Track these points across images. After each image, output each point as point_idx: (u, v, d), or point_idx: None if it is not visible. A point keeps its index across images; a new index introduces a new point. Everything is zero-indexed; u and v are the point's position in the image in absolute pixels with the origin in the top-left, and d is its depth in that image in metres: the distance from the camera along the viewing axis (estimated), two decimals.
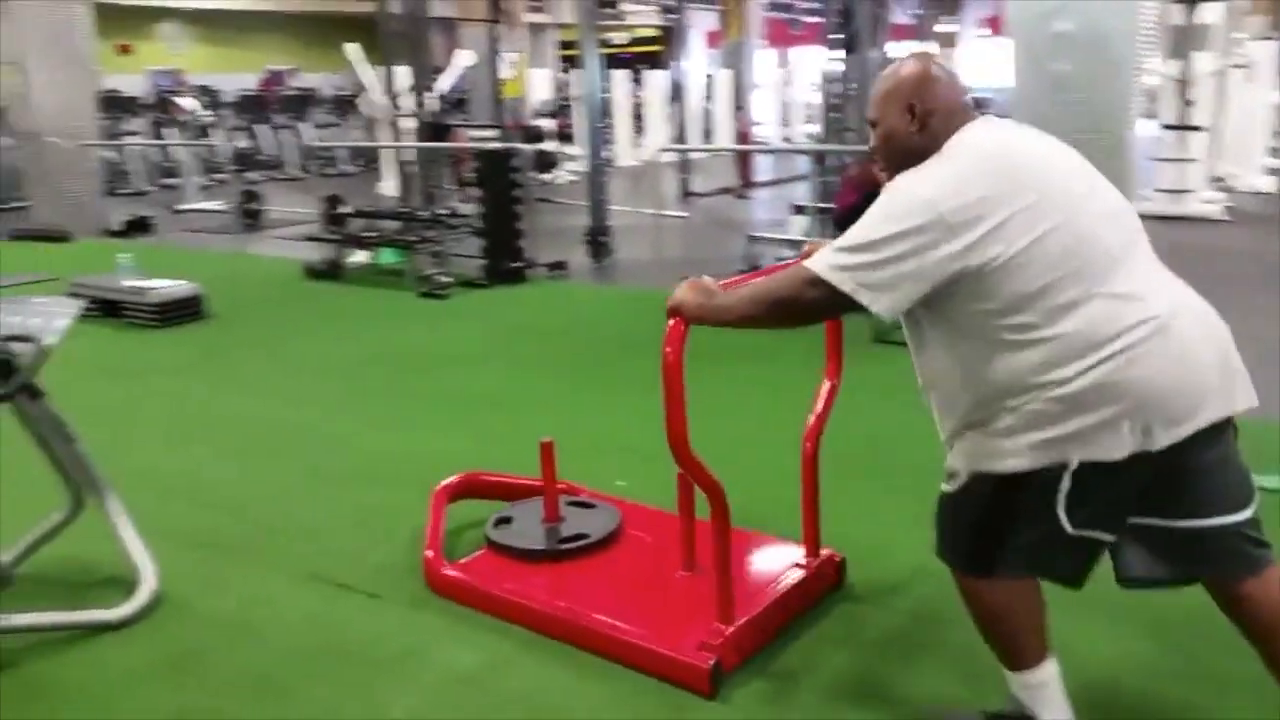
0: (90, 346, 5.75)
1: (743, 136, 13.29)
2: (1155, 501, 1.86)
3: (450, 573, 2.86)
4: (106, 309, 6.46)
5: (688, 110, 17.12)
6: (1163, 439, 1.76)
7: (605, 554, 2.92)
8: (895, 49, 15.92)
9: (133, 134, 14.93)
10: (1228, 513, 1.88)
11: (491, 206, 7.53)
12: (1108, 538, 1.89)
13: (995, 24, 22.22)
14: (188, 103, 15.00)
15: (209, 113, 15.39)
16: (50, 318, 2.82)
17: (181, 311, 6.44)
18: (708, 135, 19.88)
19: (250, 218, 10.66)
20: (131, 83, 18.39)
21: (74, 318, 2.85)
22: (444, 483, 3.22)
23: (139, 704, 2.41)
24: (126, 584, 2.81)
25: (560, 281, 7.70)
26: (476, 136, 11.09)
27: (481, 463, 3.53)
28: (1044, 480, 1.81)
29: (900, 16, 18.16)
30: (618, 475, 3.58)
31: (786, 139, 21.19)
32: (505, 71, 15.81)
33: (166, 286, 6.50)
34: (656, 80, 18.72)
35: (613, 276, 8.01)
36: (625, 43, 27.57)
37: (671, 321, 2.14)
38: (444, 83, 12.89)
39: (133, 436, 4.31)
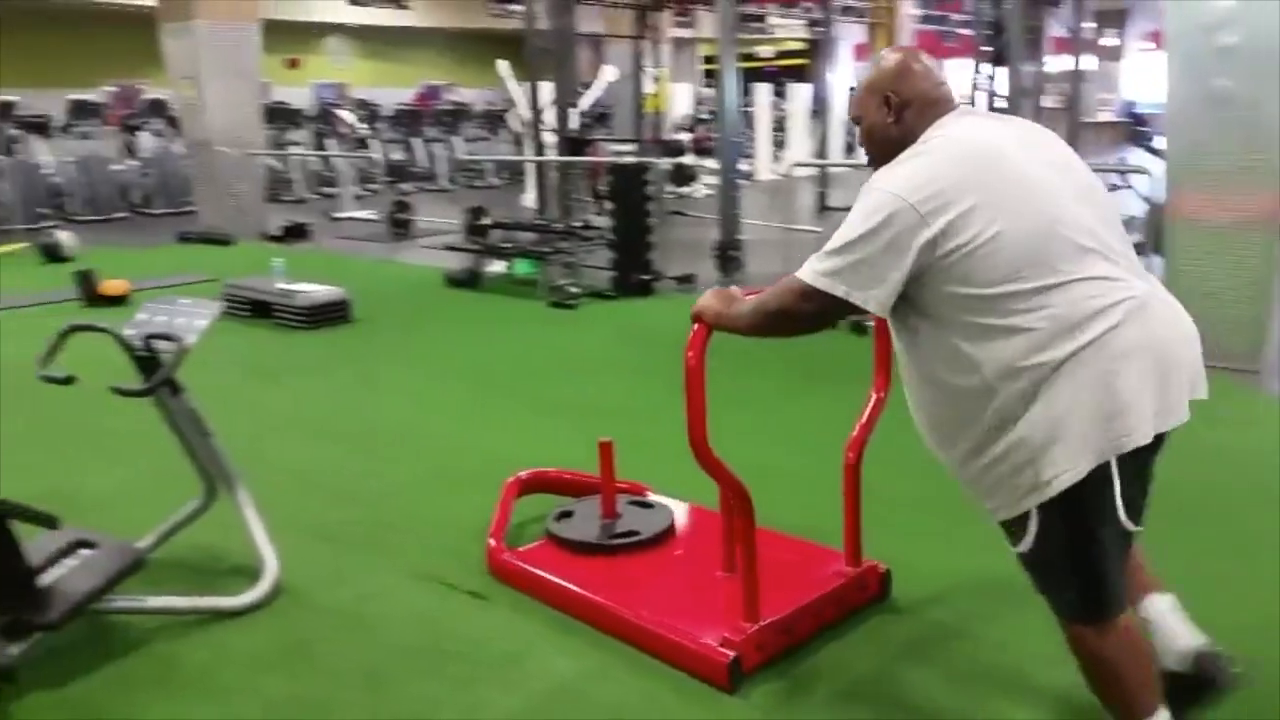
0: (241, 346, 6.10)
1: None
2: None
3: (508, 559, 3.04)
4: (258, 310, 6.82)
5: (830, 123, 16.90)
6: (1167, 419, 1.78)
7: (654, 551, 3.05)
8: (1054, 62, 15.32)
9: (296, 144, 15.77)
10: (1142, 524, 1.88)
11: (622, 219, 7.62)
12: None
13: (1159, 38, 21.15)
14: (347, 115, 15.73)
15: (365, 126, 16.11)
16: (193, 318, 2.99)
17: (328, 315, 6.72)
18: (850, 149, 19.54)
19: (400, 227, 11.09)
20: (299, 95, 19.42)
21: (213, 319, 3.01)
22: (513, 477, 3.39)
23: (255, 689, 2.53)
24: (251, 573, 2.96)
25: (687, 295, 7.70)
26: (616, 151, 11.26)
27: (594, 468, 3.57)
28: (1097, 480, 1.77)
29: (1060, 30, 17.45)
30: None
31: None
32: (648, 86, 15.99)
33: (315, 290, 6.80)
34: (800, 93, 18.57)
35: None
36: (771, 56, 27.50)
37: (695, 326, 2.24)
38: (586, 98, 13.14)
39: (273, 432, 4.54)
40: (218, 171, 11.02)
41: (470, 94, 21.96)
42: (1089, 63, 17.81)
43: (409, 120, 17.65)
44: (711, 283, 8.05)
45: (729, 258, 8.42)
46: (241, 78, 11.01)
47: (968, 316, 1.82)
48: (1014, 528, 1.88)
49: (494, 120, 18.53)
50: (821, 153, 15.42)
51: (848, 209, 1.91)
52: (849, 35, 24.51)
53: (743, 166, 16.60)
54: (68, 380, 2.78)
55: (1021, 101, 10.25)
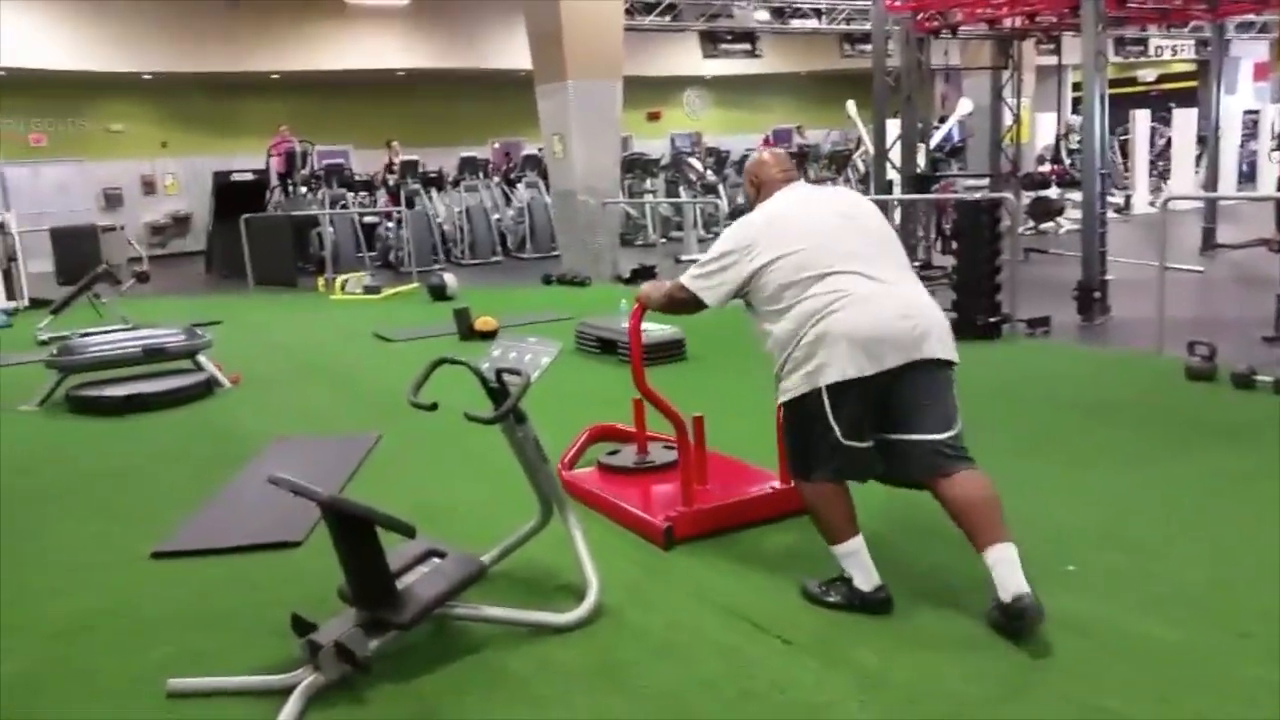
0: (588, 379, 6.54)
1: None
2: (881, 420, 2.97)
3: (565, 474, 4.22)
4: (605, 347, 7.25)
5: (1222, 151, 15.12)
6: (867, 369, 2.87)
7: (661, 473, 4.25)
8: None
9: (651, 192, 16.68)
10: (927, 432, 2.94)
11: (966, 258, 7.27)
12: (865, 445, 2.98)
13: None
14: (695, 163, 16.42)
15: (710, 172, 16.68)
16: (538, 355, 3.25)
17: (666, 352, 6.97)
18: (1248, 178, 17.42)
19: None
20: (658, 146, 20.56)
21: (554, 357, 3.25)
22: (591, 426, 4.84)
23: (567, 703, 2.65)
24: (575, 591, 3.14)
25: (1040, 340, 7.19)
26: (967, 186, 10.81)
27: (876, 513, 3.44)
28: (814, 400, 2.94)
29: None
30: (1069, 560, 3.29)
31: None
32: (1009, 117, 15.19)
33: (654, 330, 7.07)
34: (1186, 119, 16.85)
35: (1103, 337, 7.31)
36: (1153, 79, 25.23)
37: (636, 304, 3.54)
38: (938, 134, 12.75)
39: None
40: (578, 219, 11.90)
41: (817, 135, 22.08)
42: None
43: None
44: (1072, 327, 7.50)
45: (1091, 299, 7.78)
46: (603, 131, 11.78)
47: (765, 308, 3.05)
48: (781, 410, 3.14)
49: (839, 161, 18.49)
50: (1211, 183, 13.74)
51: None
52: (1248, 53, 21.93)
53: (1115, 199, 15.30)
54: (432, 407, 3.06)
55: None
